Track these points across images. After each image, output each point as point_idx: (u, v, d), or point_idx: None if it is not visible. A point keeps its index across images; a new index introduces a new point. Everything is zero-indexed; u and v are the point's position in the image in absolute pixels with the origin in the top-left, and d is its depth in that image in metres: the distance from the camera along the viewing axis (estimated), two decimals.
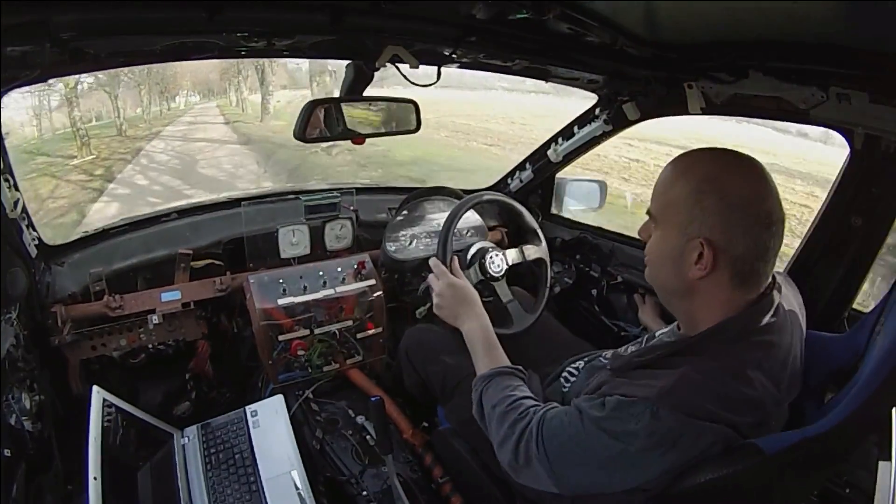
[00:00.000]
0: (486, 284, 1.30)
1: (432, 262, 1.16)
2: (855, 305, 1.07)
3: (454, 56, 1.07)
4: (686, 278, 0.73)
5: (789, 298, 0.78)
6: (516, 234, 1.54)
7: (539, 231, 1.40)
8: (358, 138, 1.17)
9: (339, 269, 1.45)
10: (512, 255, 1.35)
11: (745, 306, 0.72)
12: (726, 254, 0.69)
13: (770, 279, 0.74)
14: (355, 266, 1.46)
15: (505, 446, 0.82)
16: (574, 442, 0.74)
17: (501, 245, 1.41)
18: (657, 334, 0.92)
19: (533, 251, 1.38)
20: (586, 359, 1.02)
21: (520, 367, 0.96)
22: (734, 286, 0.72)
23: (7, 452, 0.91)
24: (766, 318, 0.72)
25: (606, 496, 0.75)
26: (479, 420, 0.91)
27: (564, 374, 1.02)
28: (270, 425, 1.27)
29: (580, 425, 0.73)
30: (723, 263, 0.70)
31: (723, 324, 0.72)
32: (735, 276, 0.71)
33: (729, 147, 0.75)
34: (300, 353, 1.36)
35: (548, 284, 1.39)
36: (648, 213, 0.79)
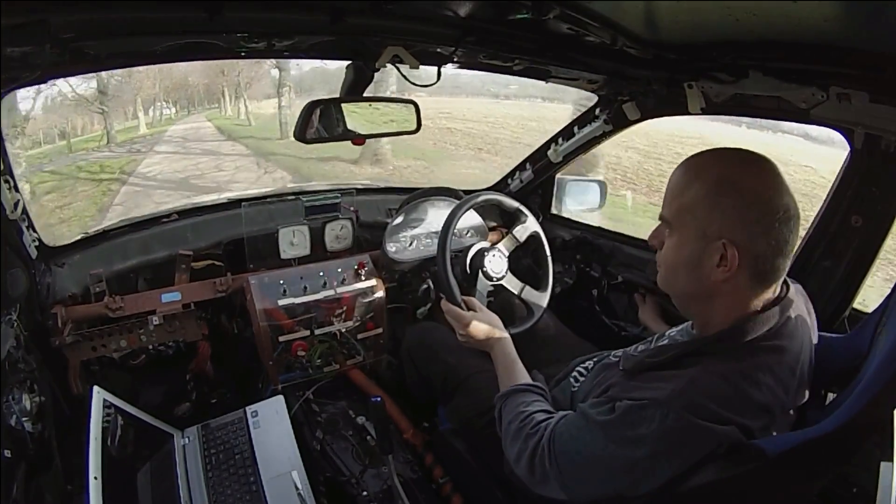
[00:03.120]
0: (496, 286, 1.31)
1: (444, 306, 1.18)
2: (855, 305, 1.07)
3: (454, 56, 1.07)
4: (707, 281, 0.72)
5: (799, 305, 0.78)
6: (508, 223, 1.54)
7: (521, 207, 1.41)
8: (358, 139, 1.17)
9: (340, 270, 1.45)
10: (506, 245, 1.36)
11: (759, 308, 0.72)
12: (748, 253, 0.69)
13: (785, 282, 0.74)
14: (356, 267, 1.46)
15: (520, 462, 0.82)
16: (584, 456, 0.74)
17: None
18: (668, 333, 0.92)
19: (523, 230, 1.39)
20: (595, 359, 1.03)
21: (538, 384, 0.97)
22: (753, 285, 0.71)
23: (7, 453, 0.91)
24: (778, 323, 0.72)
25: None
26: (501, 436, 0.92)
27: (574, 374, 1.03)
28: (271, 426, 1.27)
29: (589, 437, 0.74)
30: (744, 263, 0.69)
31: (736, 327, 0.71)
32: (755, 275, 0.71)
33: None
34: (301, 353, 1.36)
35: (548, 254, 1.40)
36: (662, 217, 0.78)
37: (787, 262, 0.71)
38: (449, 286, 1.18)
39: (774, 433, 0.71)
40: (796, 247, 0.72)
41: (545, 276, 1.38)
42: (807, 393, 0.77)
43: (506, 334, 1.10)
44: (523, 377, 1.00)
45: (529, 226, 1.40)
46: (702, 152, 0.76)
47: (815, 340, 0.81)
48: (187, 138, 11.83)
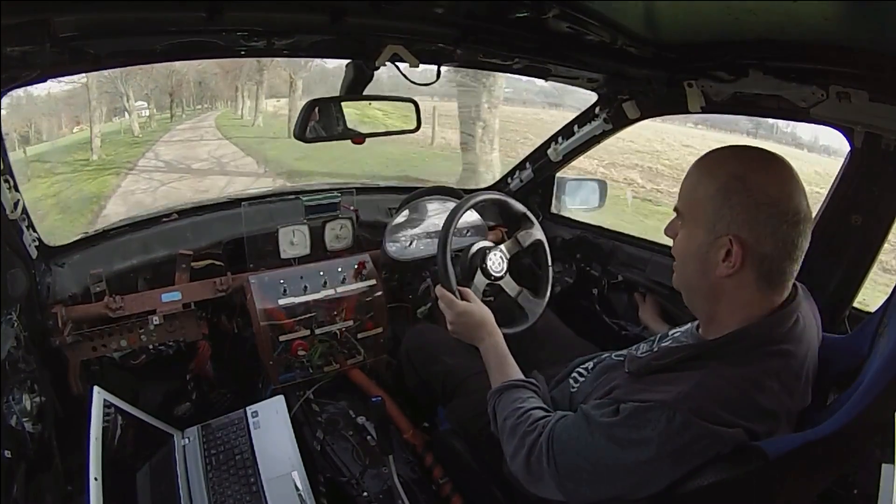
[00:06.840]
0: (493, 286, 1.30)
1: (438, 291, 1.15)
2: (855, 304, 1.07)
3: (454, 55, 1.07)
4: (712, 277, 0.72)
5: (806, 309, 0.77)
6: (512, 226, 1.54)
7: (528, 213, 1.40)
8: (358, 138, 1.17)
9: (340, 270, 1.45)
10: (509, 247, 1.35)
11: (768, 312, 0.71)
12: (754, 252, 0.68)
13: (793, 285, 0.74)
14: (356, 266, 1.46)
15: (516, 459, 0.82)
16: (583, 457, 0.73)
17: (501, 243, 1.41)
18: (671, 334, 0.91)
19: (527, 236, 1.38)
20: (595, 360, 1.02)
21: (532, 380, 0.96)
22: (760, 287, 0.71)
23: (7, 453, 0.90)
24: (786, 327, 0.71)
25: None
26: (497, 434, 0.91)
27: (574, 374, 1.02)
28: (271, 426, 1.27)
29: (590, 438, 0.73)
30: (750, 262, 0.69)
31: (744, 330, 0.71)
32: (762, 277, 0.70)
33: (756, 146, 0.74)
34: (301, 353, 1.36)
35: (549, 264, 1.39)
36: (676, 209, 0.78)
37: (795, 266, 0.70)
38: (446, 272, 1.17)
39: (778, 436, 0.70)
40: (806, 250, 0.71)
41: (544, 284, 1.36)
42: (810, 397, 0.76)
43: (497, 331, 1.07)
44: (516, 373, 0.98)
45: (534, 233, 1.38)
46: (719, 149, 0.75)
47: (818, 342, 0.80)
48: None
